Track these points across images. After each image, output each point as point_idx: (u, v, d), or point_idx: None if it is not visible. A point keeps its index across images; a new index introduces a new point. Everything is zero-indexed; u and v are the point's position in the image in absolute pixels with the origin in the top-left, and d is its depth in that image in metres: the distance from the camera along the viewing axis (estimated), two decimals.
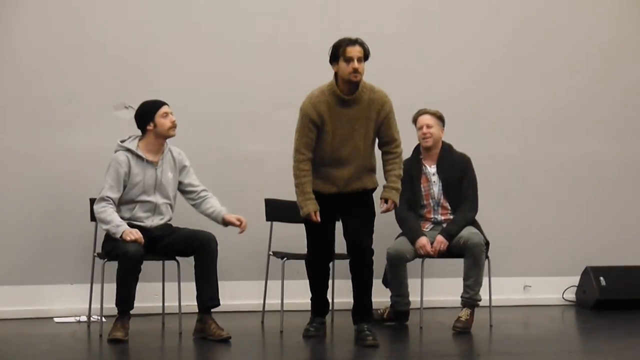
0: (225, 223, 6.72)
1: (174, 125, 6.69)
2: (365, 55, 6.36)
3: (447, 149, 7.25)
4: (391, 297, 7.22)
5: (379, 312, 7.25)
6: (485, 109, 8.14)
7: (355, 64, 6.30)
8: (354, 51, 6.32)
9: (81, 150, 7.34)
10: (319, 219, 6.42)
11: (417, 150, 7.27)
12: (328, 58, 6.40)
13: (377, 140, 6.53)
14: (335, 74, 6.41)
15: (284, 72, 7.72)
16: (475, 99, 8.11)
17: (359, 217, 6.50)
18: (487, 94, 8.16)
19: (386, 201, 6.50)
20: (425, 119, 7.17)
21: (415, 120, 7.24)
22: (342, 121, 6.39)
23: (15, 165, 7.28)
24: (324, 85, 6.44)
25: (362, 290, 6.57)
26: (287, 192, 7.27)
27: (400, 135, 6.52)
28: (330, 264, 6.78)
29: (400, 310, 7.20)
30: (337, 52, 6.36)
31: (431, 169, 7.23)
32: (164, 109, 6.69)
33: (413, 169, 7.17)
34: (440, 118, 7.22)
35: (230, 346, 6.45)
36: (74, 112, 7.38)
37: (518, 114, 8.23)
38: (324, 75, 6.50)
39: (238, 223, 6.68)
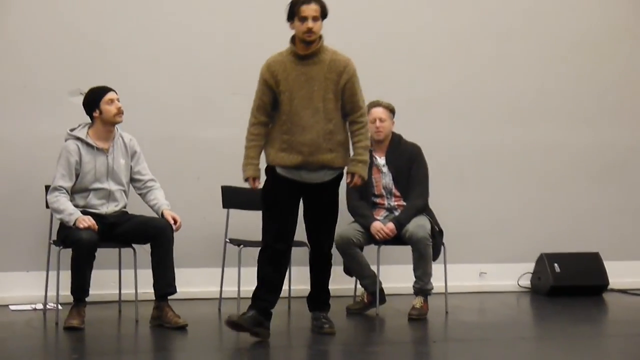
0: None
1: (119, 112, 6.64)
2: (323, 14, 6.14)
3: (396, 140, 7.26)
4: (360, 283, 7.25)
5: (357, 300, 7.31)
6: (440, 95, 8.15)
7: (310, 23, 6.08)
8: (309, 10, 6.09)
9: (37, 136, 7.29)
10: (257, 185, 6.25)
11: None
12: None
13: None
14: (294, 35, 6.22)
15: (240, 57, 7.66)
16: (430, 86, 8.12)
17: (323, 214, 6.37)
18: (442, 80, 8.17)
19: (352, 176, 6.31)
20: (378, 112, 7.15)
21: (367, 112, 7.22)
22: (300, 81, 6.16)
23: None
24: (284, 49, 6.26)
25: (320, 282, 6.56)
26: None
27: (365, 105, 6.35)
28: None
29: (375, 291, 7.16)
30: (293, 11, 6.14)
31: (381, 160, 7.23)
32: (109, 95, 6.64)
33: None
34: (392, 111, 7.23)
35: (186, 333, 6.44)
36: (29, 98, 7.33)
37: (473, 101, 8.26)
38: None
39: (172, 222, 6.61)
